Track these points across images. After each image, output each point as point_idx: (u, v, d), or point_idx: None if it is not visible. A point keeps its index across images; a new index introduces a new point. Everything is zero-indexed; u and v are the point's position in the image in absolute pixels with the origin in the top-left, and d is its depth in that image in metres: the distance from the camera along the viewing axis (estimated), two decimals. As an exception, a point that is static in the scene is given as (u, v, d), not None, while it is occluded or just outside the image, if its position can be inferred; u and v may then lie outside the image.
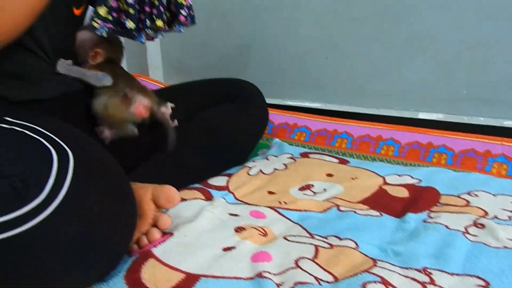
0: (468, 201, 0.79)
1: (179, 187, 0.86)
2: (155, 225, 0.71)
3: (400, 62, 1.22)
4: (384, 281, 0.56)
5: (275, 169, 0.99)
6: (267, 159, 1.06)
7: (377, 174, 0.93)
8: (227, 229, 0.72)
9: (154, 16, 0.80)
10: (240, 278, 0.60)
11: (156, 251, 0.65)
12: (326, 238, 0.70)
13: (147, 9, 0.79)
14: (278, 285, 0.58)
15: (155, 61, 1.77)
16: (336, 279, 0.59)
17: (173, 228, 0.71)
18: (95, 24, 0.77)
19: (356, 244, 0.67)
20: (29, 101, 0.84)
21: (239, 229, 0.72)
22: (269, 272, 0.60)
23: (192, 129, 0.97)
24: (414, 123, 1.17)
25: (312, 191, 0.89)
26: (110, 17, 0.77)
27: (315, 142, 1.21)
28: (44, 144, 0.61)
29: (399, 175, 0.91)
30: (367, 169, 0.96)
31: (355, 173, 0.95)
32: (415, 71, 1.21)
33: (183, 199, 0.80)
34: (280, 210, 0.80)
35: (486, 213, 0.74)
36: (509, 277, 0.57)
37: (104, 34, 0.78)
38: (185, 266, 0.62)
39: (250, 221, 0.75)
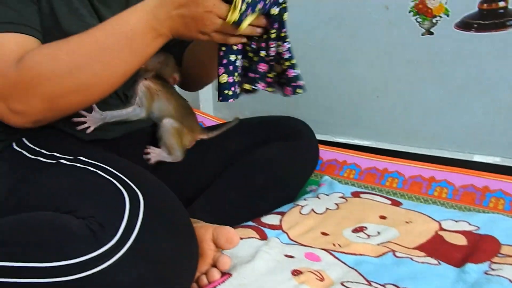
0: (531, 253, 0.77)
1: (232, 225, 0.89)
2: (214, 265, 0.72)
3: (456, 104, 1.21)
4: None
5: (327, 208, 0.99)
6: (318, 197, 1.06)
7: (432, 218, 0.92)
8: (284, 272, 0.73)
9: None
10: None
11: (216, 291, 0.67)
12: (384, 286, 0.69)
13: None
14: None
15: (206, 94, 1.82)
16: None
17: (231, 268, 0.73)
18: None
19: (415, 294, 0.66)
20: (95, 140, 0.89)
21: (296, 272, 0.72)
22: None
23: (245, 167, 0.99)
24: (469, 165, 1.15)
25: (365, 234, 0.88)
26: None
27: (365, 180, 1.21)
28: (117, 186, 0.64)
29: (455, 221, 0.90)
30: (421, 213, 0.95)
31: (409, 217, 0.94)
32: (471, 114, 1.20)
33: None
34: (335, 253, 0.80)
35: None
36: None
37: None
38: (244, 309, 0.63)
39: (306, 264, 0.76)
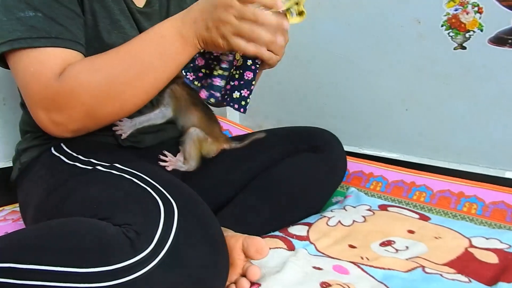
0: None
1: (259, 234, 0.90)
2: (243, 274, 0.73)
3: (488, 119, 1.19)
4: None
5: (354, 221, 0.99)
6: (345, 209, 1.06)
7: (462, 234, 0.91)
8: (313, 283, 0.73)
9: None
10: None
11: (245, 301, 0.68)
12: (413, 302, 0.69)
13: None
14: None
15: (233, 103, 1.83)
16: None
17: (260, 278, 0.73)
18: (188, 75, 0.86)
19: (446, 311, 0.66)
20: (129, 147, 0.91)
21: (324, 285, 0.73)
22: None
23: (274, 177, 1.00)
24: (500, 182, 1.13)
25: (394, 248, 0.88)
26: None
27: (391, 193, 1.20)
28: (152, 195, 0.66)
29: (486, 238, 0.89)
30: (450, 228, 0.94)
31: (438, 232, 0.93)
32: (503, 130, 1.18)
33: (267, 248, 0.82)
34: (363, 267, 0.80)
35: None
36: None
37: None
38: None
39: (334, 277, 0.76)
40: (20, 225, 1.09)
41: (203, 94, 0.83)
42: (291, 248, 0.87)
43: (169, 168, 0.96)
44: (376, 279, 0.77)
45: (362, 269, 0.80)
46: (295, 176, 1.01)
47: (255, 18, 0.73)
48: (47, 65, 0.73)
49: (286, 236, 0.92)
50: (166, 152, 0.96)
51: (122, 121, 0.89)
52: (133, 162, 0.79)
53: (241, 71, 0.84)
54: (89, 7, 0.82)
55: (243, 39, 0.74)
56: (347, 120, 1.48)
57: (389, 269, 0.80)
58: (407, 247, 0.88)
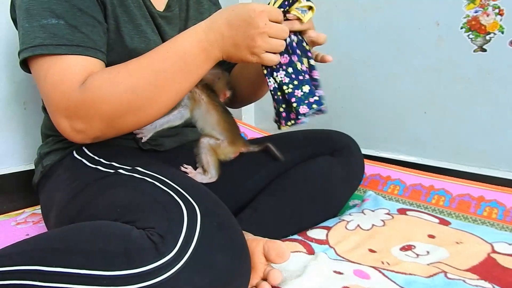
0: None
1: (278, 237, 0.90)
2: (264, 278, 0.73)
3: (508, 123, 1.18)
4: None
5: (373, 225, 0.99)
6: (364, 213, 1.06)
7: (483, 240, 0.90)
8: (334, 288, 0.73)
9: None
10: None
11: (267, 305, 0.68)
12: (437, 308, 0.68)
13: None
14: None
15: (248, 105, 1.84)
16: None
17: (281, 282, 0.73)
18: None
19: (470, 318, 0.65)
20: (150, 150, 0.92)
21: (346, 290, 0.72)
22: None
23: (293, 180, 1.00)
24: (521, 186, 1.12)
25: (414, 253, 0.87)
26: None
27: (410, 197, 1.19)
28: (175, 198, 0.66)
29: (508, 244, 0.88)
30: (471, 233, 0.93)
31: (459, 237, 0.92)
32: (524, 133, 1.17)
33: (287, 252, 0.82)
34: (384, 272, 0.80)
35: None
36: None
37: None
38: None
39: (356, 281, 0.76)
40: (41, 227, 1.10)
41: (303, 109, 0.80)
42: (310, 252, 0.87)
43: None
44: (397, 284, 0.76)
45: (383, 274, 0.79)
46: (313, 179, 1.00)
47: (286, 35, 0.76)
48: (68, 73, 0.74)
49: (305, 240, 0.92)
50: (186, 165, 0.97)
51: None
52: (154, 165, 0.79)
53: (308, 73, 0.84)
54: (112, 12, 0.83)
55: (271, 54, 0.76)
56: (364, 123, 1.47)
57: (410, 274, 0.79)
58: (428, 252, 0.87)
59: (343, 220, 1.01)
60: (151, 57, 0.77)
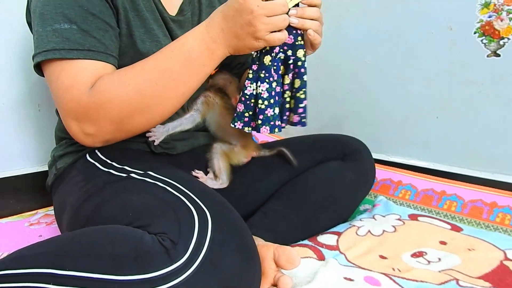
0: None
1: (288, 242, 0.90)
2: (275, 284, 0.73)
3: (523, 127, 1.17)
4: None
5: (384, 231, 0.98)
6: (374, 218, 1.05)
7: (496, 247, 0.89)
8: (345, 295, 0.73)
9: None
10: None
11: (277, 311, 0.68)
12: (448, 316, 0.68)
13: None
14: None
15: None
16: None
17: (291, 288, 0.73)
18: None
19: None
20: (162, 153, 0.93)
21: (356, 296, 0.72)
22: None
23: (304, 185, 1.00)
24: (535, 192, 1.10)
25: (425, 259, 0.87)
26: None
27: (421, 202, 1.19)
28: (186, 204, 0.67)
29: (521, 251, 0.87)
30: (484, 240, 0.92)
31: (471, 243, 0.91)
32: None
33: (297, 258, 0.82)
34: (395, 278, 0.79)
35: None
36: None
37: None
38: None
39: (366, 288, 0.75)
40: (54, 228, 1.12)
41: (265, 130, 0.81)
42: (321, 257, 0.87)
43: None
44: (408, 291, 0.76)
45: (394, 281, 0.79)
46: (324, 184, 1.00)
47: (286, 9, 0.75)
48: (79, 77, 0.75)
49: (316, 245, 0.92)
50: (197, 170, 0.97)
51: (154, 127, 0.90)
52: (166, 169, 0.80)
53: (304, 89, 0.85)
54: (124, 16, 0.83)
55: (277, 32, 0.76)
56: (375, 127, 1.47)
57: (421, 281, 0.79)
58: (439, 259, 0.86)
59: (354, 225, 1.01)
60: (156, 57, 0.78)
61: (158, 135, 0.91)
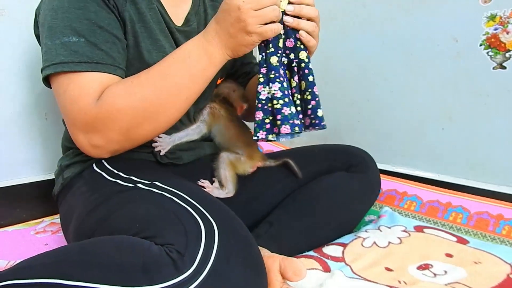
0: None
1: (293, 253, 0.89)
2: (280, 296, 0.73)
3: (527, 141, 1.17)
4: None
5: (390, 242, 0.98)
6: (380, 230, 1.05)
7: (503, 260, 0.89)
8: (351, 307, 0.72)
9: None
10: None
11: (283, 323, 0.68)
12: (455, 330, 0.68)
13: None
14: None
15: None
16: None
17: (297, 300, 0.73)
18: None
19: None
20: (168, 163, 0.93)
21: (362, 309, 0.72)
22: None
23: (309, 195, 1.00)
24: (542, 205, 1.10)
25: (432, 272, 0.86)
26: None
27: (426, 214, 1.18)
28: (193, 214, 0.67)
29: (528, 265, 0.86)
30: (490, 253, 0.92)
31: (478, 257, 0.91)
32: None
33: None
34: (401, 291, 0.79)
35: None
36: None
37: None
38: None
39: (372, 301, 0.75)
40: (60, 237, 1.12)
41: (285, 129, 0.79)
42: (326, 269, 0.87)
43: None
44: (414, 305, 0.76)
45: (400, 294, 0.78)
46: (329, 195, 1.00)
47: (274, 0, 0.75)
48: (86, 90, 0.76)
49: (321, 257, 0.92)
50: (203, 180, 0.98)
51: (161, 137, 0.91)
52: (172, 180, 0.80)
53: (309, 90, 0.84)
54: (131, 28, 0.84)
55: (269, 24, 0.76)
56: (380, 138, 1.47)
57: (428, 294, 0.79)
58: (445, 272, 0.86)
59: (359, 236, 1.01)
60: (159, 65, 0.80)
61: (164, 146, 0.91)
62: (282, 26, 0.79)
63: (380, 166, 1.13)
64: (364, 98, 1.50)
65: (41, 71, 0.80)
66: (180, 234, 0.63)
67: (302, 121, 0.86)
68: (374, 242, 0.98)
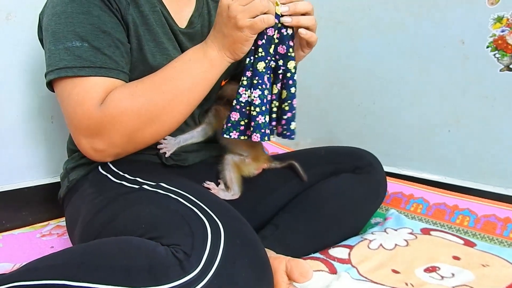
0: None
1: (300, 255, 0.89)
2: (287, 297, 0.73)
3: (535, 143, 1.16)
4: None
5: (396, 244, 0.97)
6: (386, 232, 1.05)
7: (510, 263, 0.88)
8: (357, 309, 0.72)
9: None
10: None
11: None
12: (463, 333, 0.67)
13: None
14: None
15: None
16: None
17: (303, 302, 0.73)
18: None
19: None
20: (174, 165, 0.93)
21: (369, 311, 0.71)
22: None
23: (315, 197, 1.00)
24: (550, 208, 1.09)
25: (439, 275, 0.86)
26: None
27: (433, 216, 1.17)
28: (199, 215, 0.67)
29: (537, 267, 0.85)
30: (498, 256, 0.91)
31: (485, 259, 0.90)
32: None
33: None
34: (408, 294, 0.79)
35: None
36: None
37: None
38: None
39: (379, 303, 0.75)
40: (65, 240, 1.12)
41: (255, 137, 0.82)
42: (333, 271, 0.86)
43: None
44: (422, 307, 0.75)
45: (407, 296, 0.78)
46: (336, 197, 1.00)
47: None
48: (89, 94, 0.77)
49: (328, 259, 0.91)
50: (208, 182, 0.98)
51: (166, 139, 0.91)
52: (178, 181, 0.80)
53: (288, 101, 0.86)
54: (135, 31, 0.85)
55: (258, 16, 0.76)
56: (387, 140, 1.46)
57: (435, 297, 0.78)
58: (453, 274, 0.85)
59: (366, 239, 1.00)
60: (163, 69, 0.81)
61: (169, 147, 0.91)
62: (274, 17, 0.78)
63: (386, 168, 1.12)
64: (370, 101, 1.50)
65: (45, 76, 0.80)
66: (186, 234, 0.63)
67: (274, 128, 0.89)
68: (381, 244, 0.97)
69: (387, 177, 1.12)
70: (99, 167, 0.87)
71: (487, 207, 1.13)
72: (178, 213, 0.68)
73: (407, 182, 1.33)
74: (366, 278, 0.85)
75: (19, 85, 1.24)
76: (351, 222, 1.04)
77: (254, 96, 0.81)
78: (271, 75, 0.85)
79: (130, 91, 0.77)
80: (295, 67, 0.85)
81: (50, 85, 0.83)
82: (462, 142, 1.29)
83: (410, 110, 1.39)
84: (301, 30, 0.82)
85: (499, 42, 1.17)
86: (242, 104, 0.83)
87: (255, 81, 0.82)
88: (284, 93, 0.86)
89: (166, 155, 0.91)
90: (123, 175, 0.84)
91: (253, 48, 0.82)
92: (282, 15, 0.81)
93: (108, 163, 0.87)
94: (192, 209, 0.69)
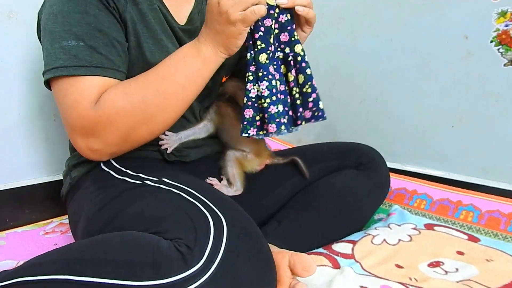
0: None
1: (303, 250, 0.89)
2: (290, 291, 0.73)
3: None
4: None
5: (400, 240, 0.97)
6: (390, 227, 1.04)
7: (515, 258, 0.88)
8: (361, 304, 0.72)
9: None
10: None
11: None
12: (467, 327, 0.67)
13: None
14: None
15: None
16: None
17: (307, 297, 0.73)
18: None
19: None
20: (176, 161, 0.93)
21: (373, 306, 0.71)
22: None
23: (319, 193, 1.00)
24: (554, 203, 1.08)
25: (443, 270, 0.86)
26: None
27: (436, 212, 1.17)
28: (202, 209, 0.67)
29: (541, 262, 0.85)
30: (502, 251, 0.91)
31: (489, 254, 0.90)
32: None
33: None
34: (412, 288, 0.79)
35: None
36: None
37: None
38: None
39: (383, 298, 0.75)
40: (69, 237, 1.12)
41: (272, 128, 0.80)
42: (336, 266, 0.86)
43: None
44: (426, 302, 0.75)
45: (411, 291, 0.78)
46: (339, 192, 1.00)
47: None
48: (85, 94, 0.77)
49: (331, 254, 0.91)
50: (211, 178, 0.98)
51: (167, 135, 0.91)
52: (180, 176, 0.80)
53: (308, 83, 0.85)
54: (133, 29, 0.85)
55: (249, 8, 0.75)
56: (390, 137, 1.46)
57: (439, 291, 0.78)
58: (457, 269, 0.85)
59: (369, 234, 1.00)
60: (157, 67, 0.80)
61: (170, 143, 0.91)
62: (265, 7, 0.78)
63: (389, 164, 1.12)
64: (373, 97, 1.49)
65: (43, 75, 0.81)
66: (189, 228, 0.63)
67: (301, 115, 0.87)
68: (384, 240, 0.97)
69: (390, 173, 1.12)
70: (101, 164, 0.87)
71: (491, 203, 1.13)
72: (180, 208, 0.68)
73: (411, 178, 1.33)
74: (369, 273, 0.85)
75: (21, 83, 1.24)
76: (354, 218, 1.03)
77: (262, 88, 0.81)
78: (282, 65, 0.85)
79: (124, 91, 0.77)
80: (303, 50, 0.85)
81: (48, 84, 0.83)
82: (465, 138, 1.28)
83: (413, 105, 1.39)
84: (298, 8, 0.81)
85: (503, 36, 1.16)
86: (253, 100, 0.82)
87: (260, 74, 0.81)
88: (301, 77, 0.85)
89: (168, 151, 0.91)
90: (126, 171, 0.84)
91: (251, 42, 0.82)
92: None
93: (110, 160, 0.87)
94: (195, 203, 0.69)
